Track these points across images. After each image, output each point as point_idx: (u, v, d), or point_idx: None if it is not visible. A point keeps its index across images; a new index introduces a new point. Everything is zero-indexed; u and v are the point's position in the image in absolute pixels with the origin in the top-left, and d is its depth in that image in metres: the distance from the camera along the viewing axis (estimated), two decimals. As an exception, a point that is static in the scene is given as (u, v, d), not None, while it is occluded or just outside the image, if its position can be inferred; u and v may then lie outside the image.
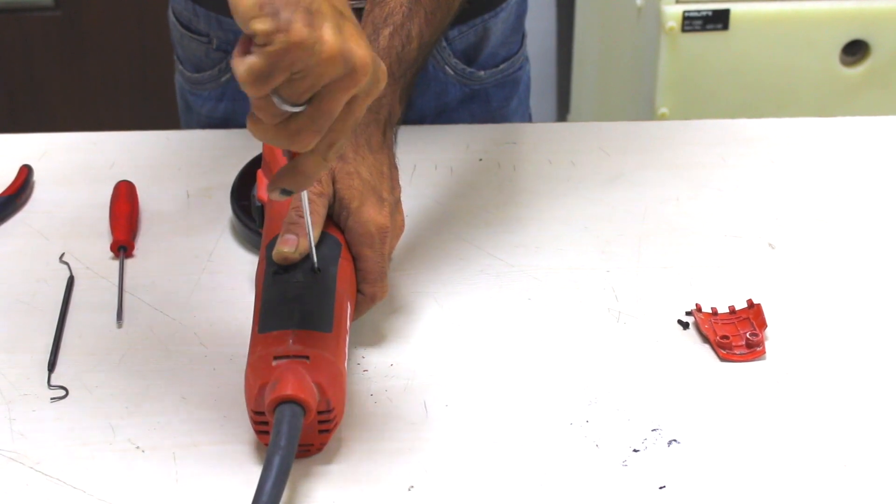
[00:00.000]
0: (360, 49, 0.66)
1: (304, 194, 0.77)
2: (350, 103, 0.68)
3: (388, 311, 0.90)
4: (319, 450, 0.77)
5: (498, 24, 1.22)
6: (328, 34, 0.64)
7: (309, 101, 0.66)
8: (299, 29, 0.63)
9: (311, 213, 0.80)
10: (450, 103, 1.23)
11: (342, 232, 0.85)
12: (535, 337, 0.89)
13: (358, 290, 0.86)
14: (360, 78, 0.66)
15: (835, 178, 1.12)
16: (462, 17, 1.17)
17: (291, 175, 0.71)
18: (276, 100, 0.65)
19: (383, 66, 0.69)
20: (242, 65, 0.63)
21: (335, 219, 0.85)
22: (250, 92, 0.65)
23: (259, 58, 0.63)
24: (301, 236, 0.80)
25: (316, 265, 0.80)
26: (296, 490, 0.74)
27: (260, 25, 0.62)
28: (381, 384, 0.84)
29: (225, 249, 1.00)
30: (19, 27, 2.50)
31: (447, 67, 1.21)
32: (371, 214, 0.84)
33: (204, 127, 1.25)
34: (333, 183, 0.84)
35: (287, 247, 0.80)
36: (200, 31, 1.21)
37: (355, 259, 0.85)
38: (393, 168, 0.89)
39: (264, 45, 0.62)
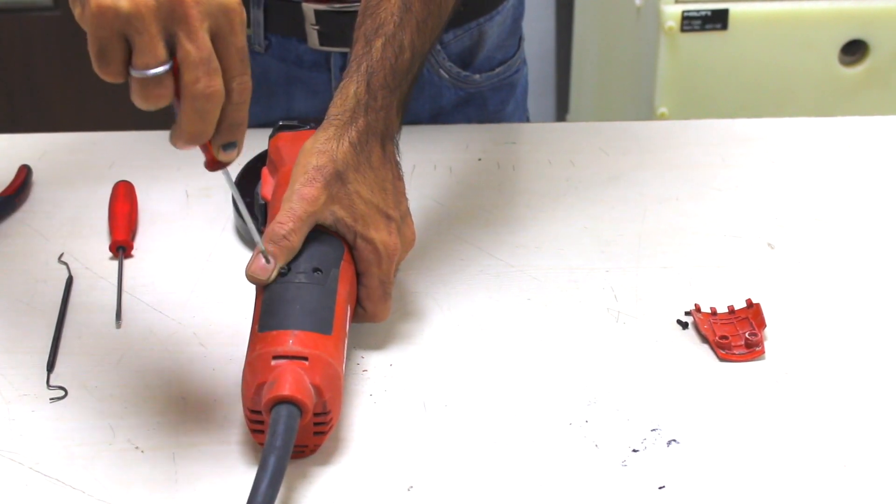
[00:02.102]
0: None
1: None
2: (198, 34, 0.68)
3: (387, 312, 0.90)
4: (313, 452, 0.77)
5: (493, 27, 1.21)
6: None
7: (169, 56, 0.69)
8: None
9: (292, 232, 0.79)
10: (445, 107, 1.23)
11: (350, 251, 0.84)
12: (535, 337, 0.89)
13: (359, 304, 0.85)
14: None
15: (834, 177, 1.12)
16: (457, 21, 1.17)
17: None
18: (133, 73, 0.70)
19: None
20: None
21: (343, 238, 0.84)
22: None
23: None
24: (280, 260, 0.79)
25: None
26: (296, 490, 0.74)
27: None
28: (380, 384, 0.84)
29: (224, 249, 1.00)
30: (19, 27, 2.50)
31: (442, 71, 1.20)
32: (379, 234, 0.83)
33: None
34: (333, 204, 0.82)
35: (261, 274, 0.79)
36: None
37: (360, 276, 0.84)
38: (397, 181, 0.87)
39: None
